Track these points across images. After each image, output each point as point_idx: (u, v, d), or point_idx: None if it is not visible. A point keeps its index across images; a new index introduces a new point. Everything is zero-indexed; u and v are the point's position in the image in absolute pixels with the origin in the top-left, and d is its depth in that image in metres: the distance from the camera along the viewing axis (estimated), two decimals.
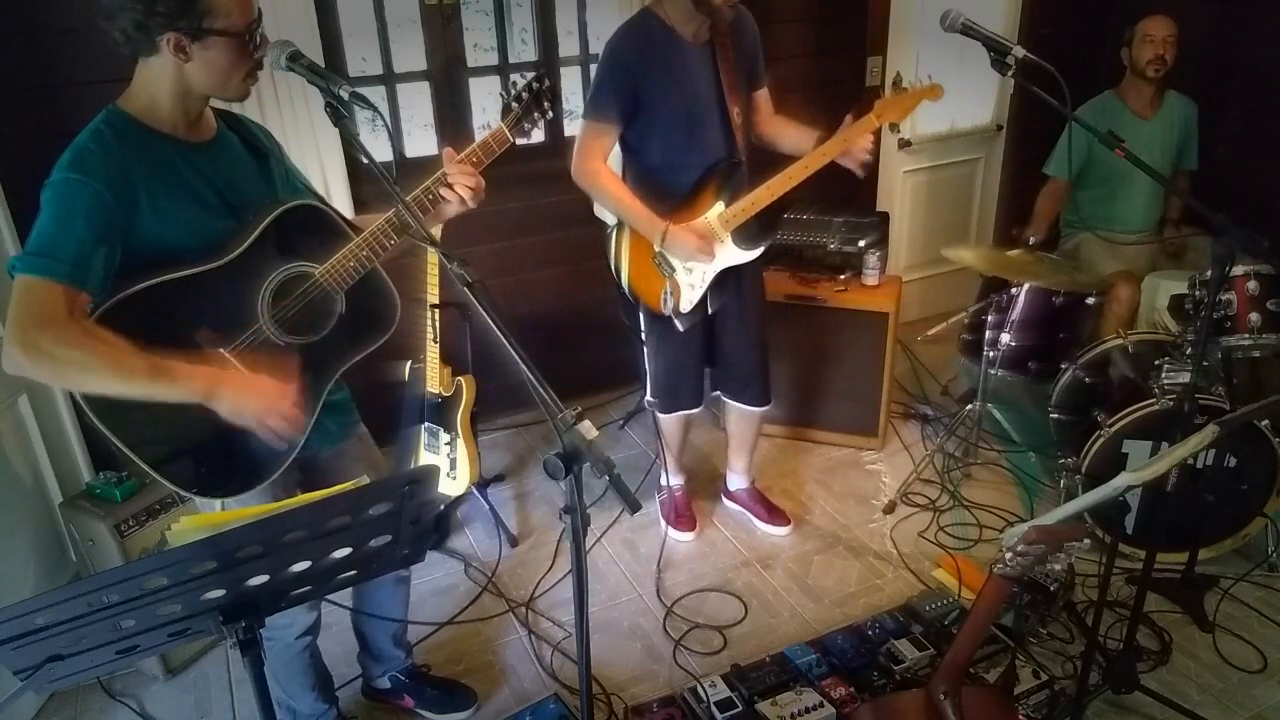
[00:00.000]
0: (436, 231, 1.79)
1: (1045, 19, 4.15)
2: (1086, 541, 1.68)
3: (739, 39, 2.49)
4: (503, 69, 3.40)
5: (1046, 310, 3.18)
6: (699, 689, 2.24)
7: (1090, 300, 3.18)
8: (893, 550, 2.92)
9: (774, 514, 3.05)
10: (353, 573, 1.39)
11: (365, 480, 1.31)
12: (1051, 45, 3.84)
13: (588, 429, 1.22)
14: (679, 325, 2.59)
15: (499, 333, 1.30)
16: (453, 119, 3.33)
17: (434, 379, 2.86)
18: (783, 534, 3.01)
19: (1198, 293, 2.56)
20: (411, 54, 3.25)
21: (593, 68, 3.03)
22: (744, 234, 2.53)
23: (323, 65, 2.00)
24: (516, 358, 1.28)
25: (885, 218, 3.47)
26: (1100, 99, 3.49)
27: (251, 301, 1.63)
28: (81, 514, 2.36)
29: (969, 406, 3.29)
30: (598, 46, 3.20)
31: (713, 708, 2.18)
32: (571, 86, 3.52)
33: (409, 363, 2.93)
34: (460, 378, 2.86)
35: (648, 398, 2.81)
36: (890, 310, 3.23)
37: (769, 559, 2.91)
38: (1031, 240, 3.16)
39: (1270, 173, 3.65)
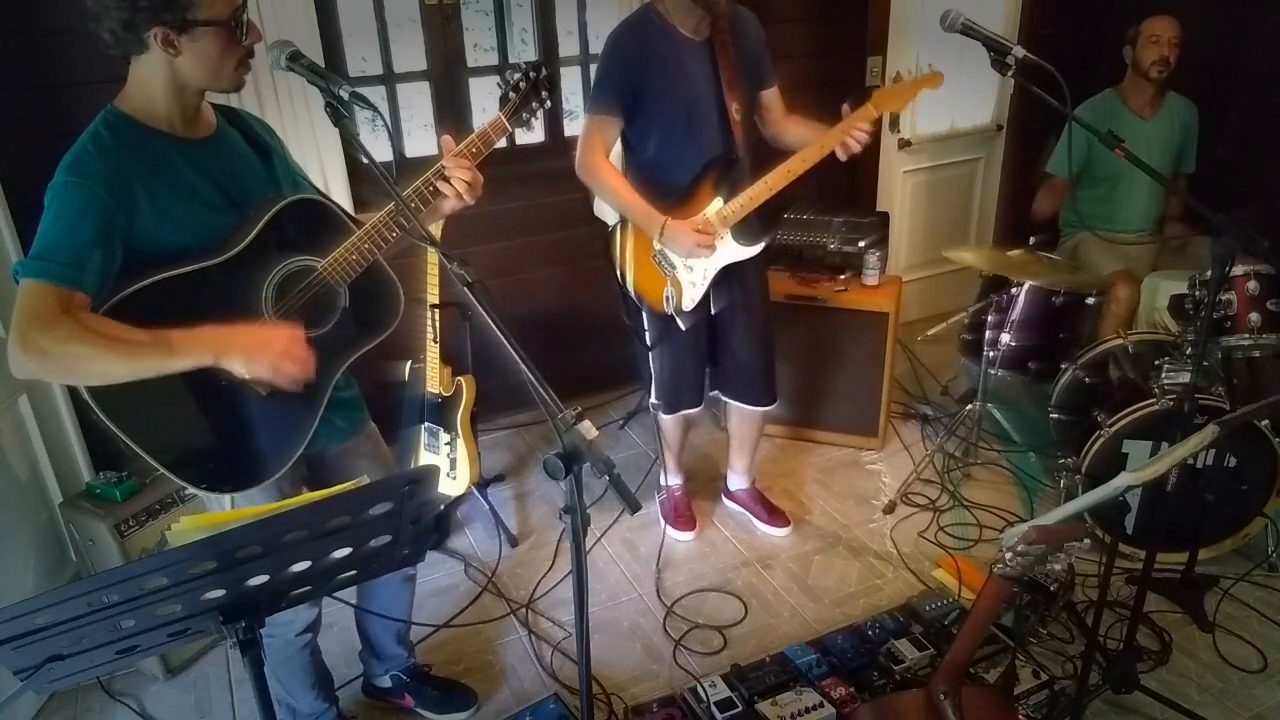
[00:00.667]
0: (436, 230, 1.80)
1: (1045, 19, 4.15)
2: (1086, 541, 1.68)
3: (739, 37, 2.49)
4: (503, 69, 3.38)
5: (1046, 310, 3.17)
6: (699, 689, 2.24)
7: (1090, 300, 3.17)
8: (893, 550, 2.91)
9: (774, 515, 3.05)
10: (353, 573, 1.39)
11: (365, 480, 1.31)
12: (1051, 45, 3.85)
13: (588, 429, 1.22)
14: (681, 324, 2.58)
15: (499, 333, 1.30)
16: (453, 119, 3.33)
17: (434, 379, 2.86)
18: (783, 535, 3.01)
19: (1198, 293, 2.56)
20: (411, 54, 3.25)
21: (593, 68, 3.03)
22: (744, 230, 2.53)
23: (323, 65, 2.00)
24: (516, 358, 1.28)
25: (885, 218, 3.47)
26: (1100, 98, 3.49)
27: (255, 296, 1.63)
28: (81, 514, 2.36)
29: (969, 406, 3.29)
30: (598, 46, 3.20)
31: (713, 708, 2.18)
32: (571, 87, 3.52)
33: (409, 363, 2.93)
34: (460, 378, 2.86)
35: (651, 400, 2.80)
36: (890, 310, 3.23)
37: (769, 559, 2.91)
38: (1032, 240, 3.17)
39: (1270, 173, 3.65)
